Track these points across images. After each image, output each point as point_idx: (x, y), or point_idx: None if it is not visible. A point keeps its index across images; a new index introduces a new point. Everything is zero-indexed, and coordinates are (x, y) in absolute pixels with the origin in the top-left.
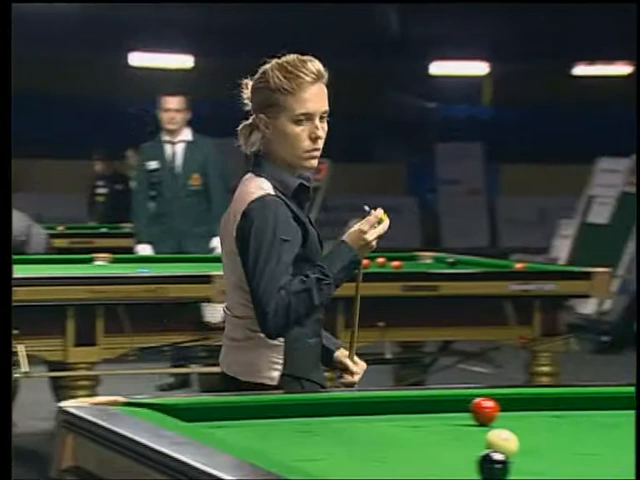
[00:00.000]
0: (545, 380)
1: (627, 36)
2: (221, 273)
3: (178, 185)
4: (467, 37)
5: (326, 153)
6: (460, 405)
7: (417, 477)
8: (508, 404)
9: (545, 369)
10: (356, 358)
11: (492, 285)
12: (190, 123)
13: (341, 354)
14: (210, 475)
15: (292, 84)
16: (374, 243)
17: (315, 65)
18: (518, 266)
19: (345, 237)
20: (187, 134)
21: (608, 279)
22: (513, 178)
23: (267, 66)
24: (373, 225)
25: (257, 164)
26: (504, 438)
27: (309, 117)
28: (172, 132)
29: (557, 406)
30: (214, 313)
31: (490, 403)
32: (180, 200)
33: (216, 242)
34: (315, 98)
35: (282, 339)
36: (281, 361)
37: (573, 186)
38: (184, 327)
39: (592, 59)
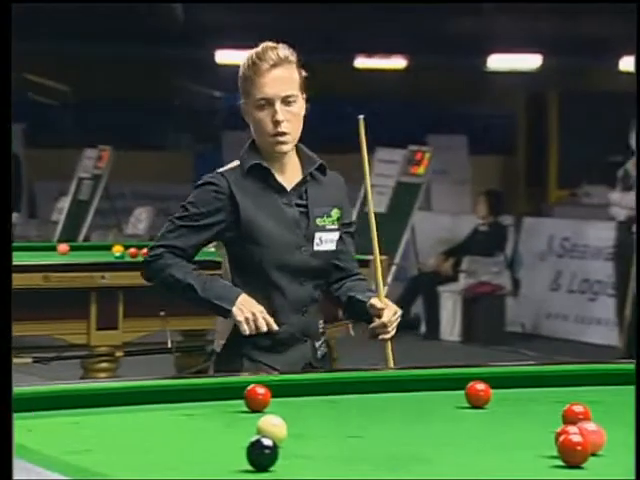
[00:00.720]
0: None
1: (405, 30)
2: None
3: None
4: (250, 26)
5: (108, 140)
6: (235, 392)
7: (182, 464)
8: (281, 390)
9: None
10: (385, 299)
11: None
12: None
13: (373, 300)
14: None
15: (251, 71)
16: (258, 315)
17: (276, 52)
18: None
19: (243, 295)
20: None
21: (386, 267)
22: None
23: None
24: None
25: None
26: (273, 424)
27: (269, 102)
28: None
29: (330, 391)
30: None
31: (262, 389)
32: None
33: None
34: (272, 83)
35: None
36: (228, 333)
37: (354, 176)
38: None
39: (370, 52)
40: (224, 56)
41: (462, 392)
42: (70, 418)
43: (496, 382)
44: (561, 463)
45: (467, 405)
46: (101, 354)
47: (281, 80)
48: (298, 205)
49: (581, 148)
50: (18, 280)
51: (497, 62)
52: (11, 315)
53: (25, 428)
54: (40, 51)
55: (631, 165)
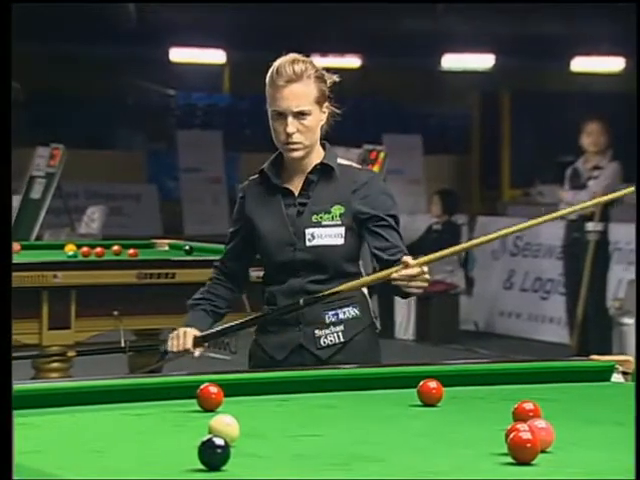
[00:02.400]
0: None
1: (358, 30)
2: None
3: None
4: (204, 25)
5: (60, 138)
6: (187, 392)
7: (133, 464)
8: (234, 389)
9: None
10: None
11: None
12: None
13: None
14: None
15: (269, 84)
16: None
17: (292, 68)
18: None
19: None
20: None
21: None
22: (252, 166)
23: None
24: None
25: None
26: (226, 423)
27: (281, 114)
28: None
29: (282, 389)
30: None
31: (214, 389)
32: None
33: None
34: (286, 98)
35: None
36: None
37: None
38: None
39: (324, 51)
40: (178, 54)
41: (414, 390)
42: (20, 419)
43: (448, 380)
44: (511, 460)
45: (419, 403)
46: (53, 354)
47: (294, 96)
48: (301, 204)
49: (533, 148)
50: None
51: (451, 62)
52: (11, 316)
53: None
54: None
55: (581, 164)
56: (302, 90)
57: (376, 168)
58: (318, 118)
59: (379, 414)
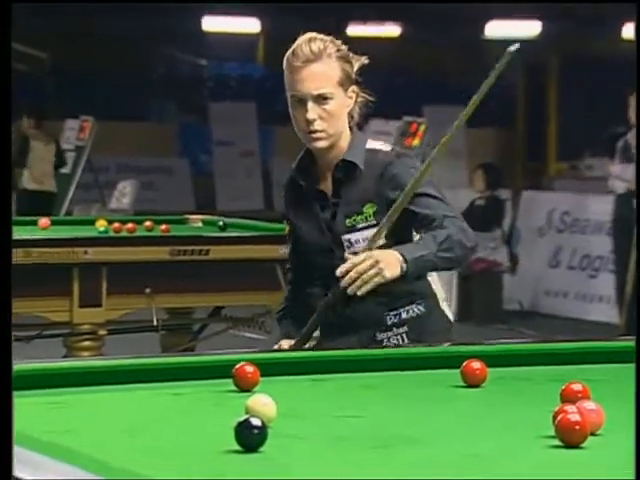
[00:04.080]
0: None
1: None
2: None
3: None
4: None
5: (90, 110)
6: (223, 371)
7: (169, 445)
8: (270, 368)
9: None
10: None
11: (264, 249)
12: None
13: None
14: None
15: (286, 66)
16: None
17: (310, 46)
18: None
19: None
20: None
21: None
22: (286, 140)
23: None
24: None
25: None
26: (263, 403)
27: (301, 99)
28: None
29: (321, 369)
30: None
31: (250, 368)
32: None
33: None
34: (304, 80)
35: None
36: None
37: None
38: None
39: (363, 20)
40: (210, 23)
41: (457, 371)
42: (52, 397)
43: (492, 360)
44: (559, 443)
45: (463, 384)
46: (84, 332)
47: (313, 77)
48: (334, 204)
49: (582, 119)
50: None
51: (494, 30)
52: (11, 297)
53: None
54: (19, 16)
55: (632, 137)
56: (322, 70)
57: (416, 141)
58: (343, 103)
59: (421, 395)
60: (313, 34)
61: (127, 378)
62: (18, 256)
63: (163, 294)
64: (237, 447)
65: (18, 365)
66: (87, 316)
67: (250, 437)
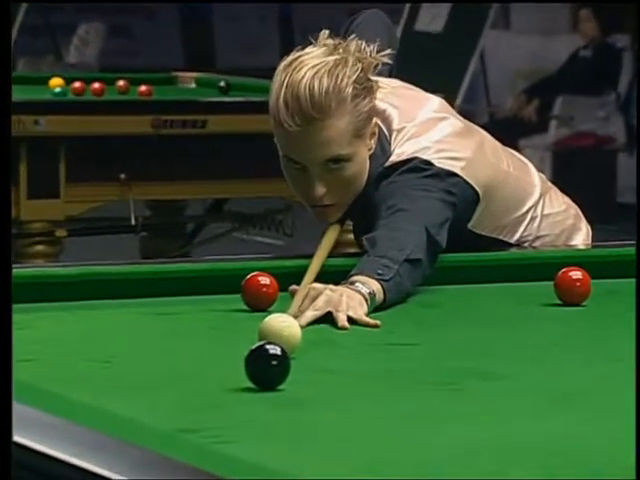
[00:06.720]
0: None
1: None
2: None
3: None
4: None
5: None
6: (229, 284)
7: (156, 380)
8: (292, 280)
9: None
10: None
11: None
12: None
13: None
14: None
15: (272, 114)
16: None
17: (312, 101)
18: None
19: None
20: None
21: None
22: None
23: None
24: None
25: None
26: (283, 325)
27: (302, 166)
28: None
29: None
30: None
31: (266, 279)
32: None
33: None
34: (305, 149)
35: None
36: None
37: None
38: None
39: None
40: None
41: (551, 283)
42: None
43: (599, 270)
44: None
45: (557, 301)
46: (35, 233)
47: (320, 143)
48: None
49: None
50: None
51: None
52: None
53: None
54: None
55: None
56: (333, 131)
57: None
58: (363, 158)
59: (498, 316)
60: (318, 65)
61: (100, 292)
62: None
63: (143, 182)
64: (249, 384)
65: None
66: (39, 211)
67: (266, 370)
